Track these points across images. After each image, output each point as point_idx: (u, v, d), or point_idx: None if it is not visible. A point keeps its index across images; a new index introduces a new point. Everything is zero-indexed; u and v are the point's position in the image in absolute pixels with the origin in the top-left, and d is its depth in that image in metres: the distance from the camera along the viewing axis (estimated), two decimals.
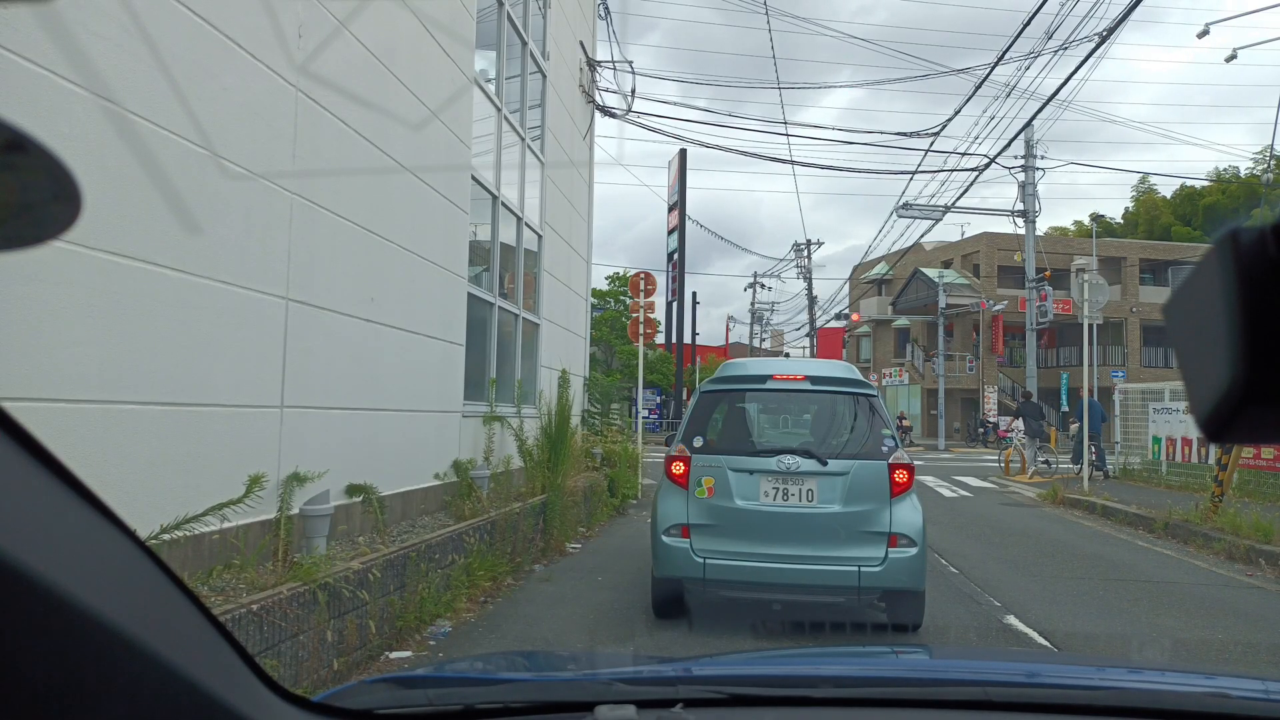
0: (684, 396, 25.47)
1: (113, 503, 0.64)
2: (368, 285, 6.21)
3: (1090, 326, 14.48)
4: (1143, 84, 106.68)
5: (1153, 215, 53.73)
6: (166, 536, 3.59)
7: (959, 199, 24.69)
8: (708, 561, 5.29)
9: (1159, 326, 35.62)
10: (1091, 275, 14.48)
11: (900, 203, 24.58)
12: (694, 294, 35.94)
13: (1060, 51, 15.54)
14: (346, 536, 5.71)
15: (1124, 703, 1.36)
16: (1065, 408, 22.44)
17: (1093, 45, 13.43)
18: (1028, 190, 25.32)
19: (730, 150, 79.74)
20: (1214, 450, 12.19)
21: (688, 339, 31.08)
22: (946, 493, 15.07)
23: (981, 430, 36.34)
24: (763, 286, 51.82)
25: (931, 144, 32.25)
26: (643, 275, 13.36)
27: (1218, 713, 1.33)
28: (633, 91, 15.42)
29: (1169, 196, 54.13)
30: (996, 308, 36.81)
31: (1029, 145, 24.91)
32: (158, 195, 3.97)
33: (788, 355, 44.35)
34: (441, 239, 7.67)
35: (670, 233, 23.81)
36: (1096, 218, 42.73)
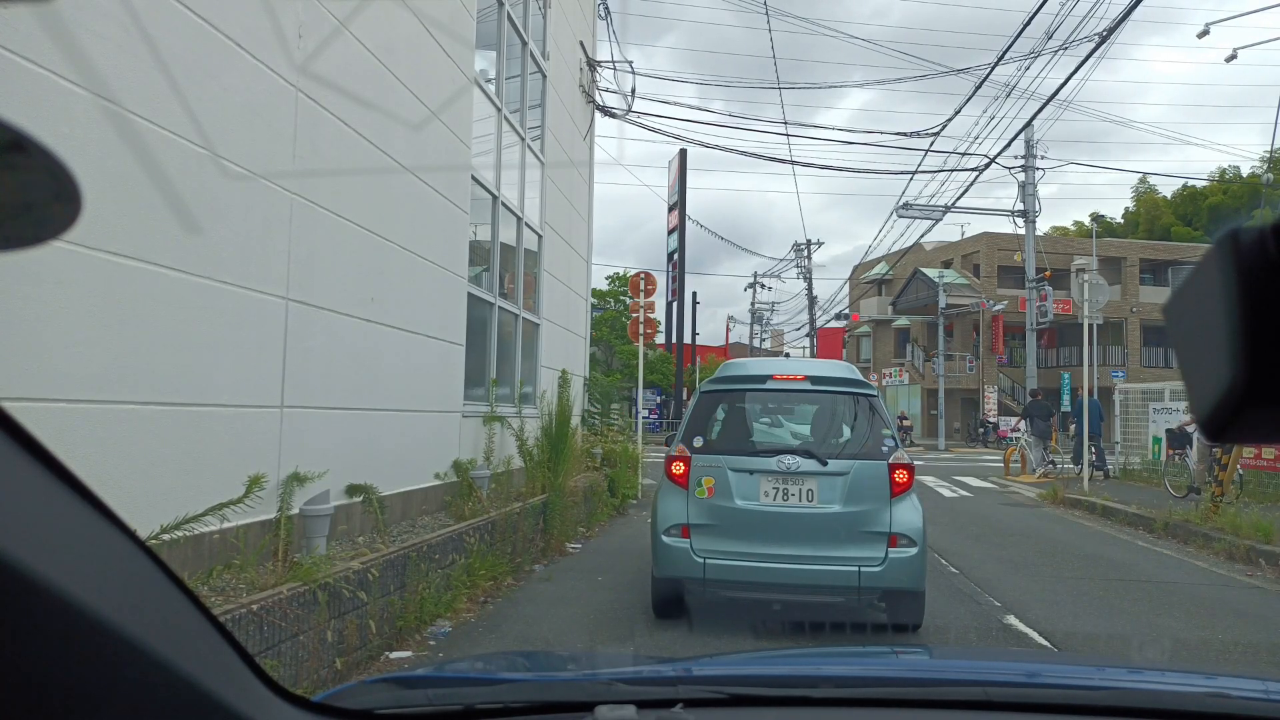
0: (684, 396, 25.48)
1: (113, 503, 0.64)
2: (368, 285, 6.21)
3: (1090, 326, 14.48)
4: (1162, 85, 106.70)
5: (1153, 215, 53.69)
6: (166, 536, 3.59)
7: (959, 199, 24.65)
8: (708, 561, 5.28)
9: (1159, 326, 35.61)
10: (1091, 275, 14.48)
11: (900, 203, 24.60)
12: (694, 294, 35.96)
13: (1060, 52, 15.54)
14: (346, 536, 5.71)
15: (1124, 703, 1.36)
16: (1066, 407, 22.40)
17: (1093, 45, 13.42)
18: (1028, 190, 25.34)
19: (730, 150, 79.82)
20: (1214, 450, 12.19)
21: (688, 339, 31.10)
22: (946, 493, 15.07)
23: (981, 430, 36.32)
24: (763, 287, 51.85)
25: (931, 144, 32.26)
26: (643, 275, 13.35)
27: (1218, 713, 1.33)
28: (633, 91, 15.45)
29: (1169, 196, 54.12)
30: (996, 308, 36.79)
31: (1029, 145, 24.93)
32: (158, 195, 3.97)
33: (788, 355, 44.32)
34: (441, 239, 7.67)
35: (670, 233, 23.83)
36: (1097, 218, 42.72)
